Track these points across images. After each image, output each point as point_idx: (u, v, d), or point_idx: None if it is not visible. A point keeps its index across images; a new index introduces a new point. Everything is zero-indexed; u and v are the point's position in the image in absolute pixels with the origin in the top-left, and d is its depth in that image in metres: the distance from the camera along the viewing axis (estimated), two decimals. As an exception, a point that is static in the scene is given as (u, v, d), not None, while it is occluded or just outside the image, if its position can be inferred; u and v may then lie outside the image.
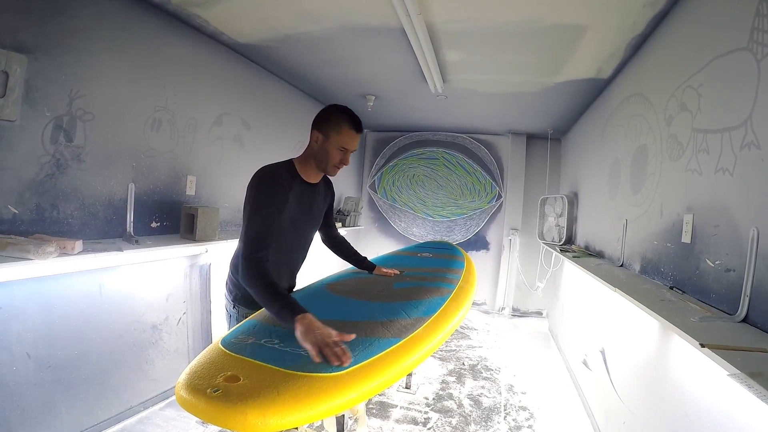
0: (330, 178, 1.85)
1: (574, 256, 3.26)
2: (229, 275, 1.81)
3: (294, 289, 1.89)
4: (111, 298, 2.32)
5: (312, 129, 1.66)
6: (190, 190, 2.92)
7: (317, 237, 2.02)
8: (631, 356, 2.25)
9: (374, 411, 2.84)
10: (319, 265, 4.71)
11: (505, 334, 4.94)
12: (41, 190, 1.98)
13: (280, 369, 1.09)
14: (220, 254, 3.03)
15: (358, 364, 1.15)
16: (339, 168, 1.69)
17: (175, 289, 2.78)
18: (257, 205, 1.51)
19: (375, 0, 2.35)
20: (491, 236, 5.93)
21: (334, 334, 1.21)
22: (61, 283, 2.05)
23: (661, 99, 2.19)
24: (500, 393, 3.27)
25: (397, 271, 2.17)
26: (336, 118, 1.63)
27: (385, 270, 2.16)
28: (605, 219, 3.13)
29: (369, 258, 2.28)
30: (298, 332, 1.21)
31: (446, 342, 4.35)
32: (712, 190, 1.61)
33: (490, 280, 5.88)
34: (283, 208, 1.58)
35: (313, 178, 1.73)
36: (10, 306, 1.84)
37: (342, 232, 4.91)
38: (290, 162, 1.69)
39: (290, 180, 1.62)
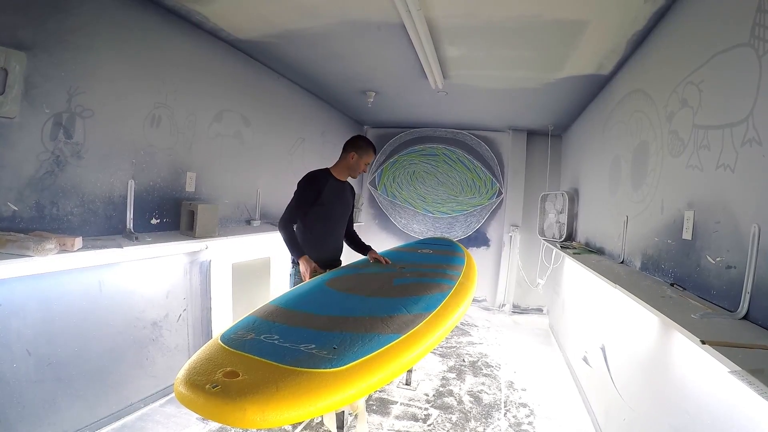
0: (352, 185, 2.82)
1: (574, 253, 3.25)
2: None
3: (340, 254, 2.79)
4: (111, 295, 2.32)
5: (348, 150, 2.63)
6: (190, 187, 2.92)
7: None
8: (632, 353, 2.25)
9: (374, 407, 2.84)
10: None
11: (505, 330, 4.94)
12: (41, 187, 1.98)
13: (280, 365, 1.09)
14: (220, 251, 3.03)
15: (358, 359, 1.15)
16: (358, 174, 2.69)
17: (175, 285, 2.78)
18: (297, 192, 2.52)
19: (375, -5, 2.34)
20: (492, 233, 5.93)
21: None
22: (61, 280, 2.05)
23: (662, 95, 2.19)
24: (500, 389, 3.28)
25: (389, 261, 2.65)
26: (365, 146, 2.63)
27: (377, 255, 2.72)
28: (606, 215, 3.12)
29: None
30: (302, 265, 2.36)
31: (446, 338, 4.35)
32: (713, 186, 1.61)
33: (490, 276, 5.88)
34: (318, 196, 2.50)
35: (342, 177, 2.66)
36: (10, 303, 1.84)
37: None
38: (326, 169, 2.65)
39: (325, 179, 2.57)
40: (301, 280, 2.38)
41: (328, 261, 2.60)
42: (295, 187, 2.54)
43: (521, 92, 3.95)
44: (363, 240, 2.94)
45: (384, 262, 2.66)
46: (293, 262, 2.55)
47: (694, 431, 1.53)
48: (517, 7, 2.36)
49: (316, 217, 2.52)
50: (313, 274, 2.31)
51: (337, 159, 2.67)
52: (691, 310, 1.46)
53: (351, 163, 2.60)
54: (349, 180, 2.78)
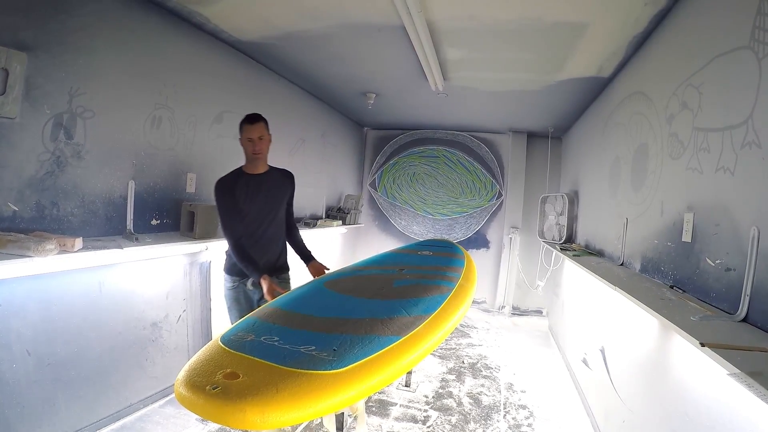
0: (288, 170, 2.53)
1: (574, 255, 3.25)
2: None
3: (280, 264, 2.45)
4: (111, 296, 2.32)
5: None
6: (191, 188, 2.92)
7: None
8: (631, 355, 2.25)
9: (374, 409, 2.84)
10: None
11: (505, 332, 4.94)
12: (41, 188, 1.98)
13: (280, 366, 1.09)
14: (220, 252, 3.03)
15: (357, 361, 1.15)
16: (257, 155, 2.30)
17: (175, 286, 2.78)
18: (217, 205, 2.27)
19: (375, -3, 2.35)
20: (491, 234, 5.93)
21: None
22: (61, 281, 2.05)
23: (662, 97, 2.19)
24: (500, 391, 3.27)
25: (328, 269, 2.43)
26: (240, 123, 2.30)
27: (318, 266, 2.44)
28: (606, 217, 3.12)
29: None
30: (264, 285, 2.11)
31: (446, 340, 4.35)
32: (712, 189, 1.61)
33: (490, 278, 5.88)
34: (232, 199, 2.23)
35: (255, 169, 2.34)
36: (10, 303, 1.84)
37: (342, 230, 4.95)
38: (240, 167, 2.35)
39: (234, 178, 2.28)
40: (241, 305, 2.31)
41: (264, 268, 2.23)
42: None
43: (521, 94, 3.96)
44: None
45: (323, 271, 2.41)
46: (237, 281, 2.33)
47: (694, 434, 1.53)
48: (517, 10, 2.37)
49: (240, 220, 2.26)
50: (273, 294, 2.02)
51: None
52: (691, 312, 1.46)
53: (243, 148, 2.30)
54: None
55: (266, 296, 2.03)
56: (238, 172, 2.30)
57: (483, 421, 2.78)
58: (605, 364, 2.63)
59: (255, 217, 2.27)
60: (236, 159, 3.47)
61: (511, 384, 3.43)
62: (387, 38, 2.87)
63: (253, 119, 2.24)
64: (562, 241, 4.14)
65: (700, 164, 1.72)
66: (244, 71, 3.43)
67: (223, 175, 2.27)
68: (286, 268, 2.50)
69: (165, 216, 2.73)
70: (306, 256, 2.51)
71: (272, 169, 2.40)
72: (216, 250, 2.98)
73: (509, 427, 2.73)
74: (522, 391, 3.30)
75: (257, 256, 2.25)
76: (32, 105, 1.91)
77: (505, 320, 5.47)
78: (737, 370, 0.96)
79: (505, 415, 2.89)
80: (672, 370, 1.76)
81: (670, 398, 1.74)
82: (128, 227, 2.44)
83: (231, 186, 2.22)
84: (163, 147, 2.66)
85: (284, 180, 2.45)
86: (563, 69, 3.18)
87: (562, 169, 5.50)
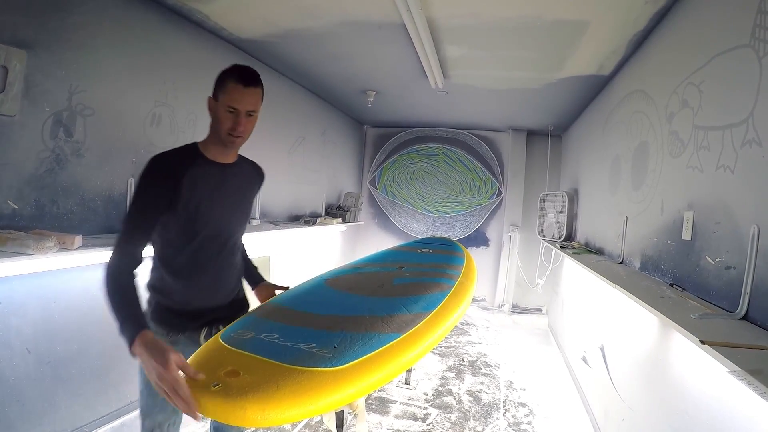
0: (257, 164, 1.65)
1: (574, 253, 3.26)
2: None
3: (239, 296, 1.65)
4: (111, 294, 2.31)
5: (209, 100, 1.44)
6: (190, 186, 2.92)
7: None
8: (631, 353, 2.26)
9: (374, 406, 2.85)
10: (317, 260, 4.73)
11: (504, 330, 4.95)
12: (41, 186, 1.98)
13: (280, 364, 1.09)
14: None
15: (358, 358, 1.15)
16: (236, 138, 1.41)
17: (175, 284, 2.77)
18: (134, 195, 1.35)
19: (376, -5, 2.34)
20: (491, 232, 5.93)
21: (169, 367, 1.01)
22: (61, 279, 2.05)
23: (662, 96, 2.19)
24: (499, 389, 3.28)
25: (287, 287, 1.75)
26: (221, 75, 1.41)
27: (269, 289, 1.73)
28: (605, 216, 3.13)
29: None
30: (139, 352, 1.09)
31: (446, 338, 4.35)
32: (713, 187, 1.61)
33: (490, 276, 5.88)
34: (175, 194, 1.33)
35: (223, 156, 1.46)
36: (10, 301, 1.84)
37: (342, 228, 4.95)
38: (194, 143, 1.46)
39: (185, 162, 1.37)
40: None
41: (210, 311, 1.49)
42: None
43: (521, 92, 3.96)
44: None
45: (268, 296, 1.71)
46: (172, 336, 1.46)
47: (693, 431, 1.53)
48: (517, 8, 2.36)
49: (177, 234, 1.39)
50: (171, 380, 0.99)
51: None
52: (691, 310, 1.47)
53: (212, 119, 1.43)
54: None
55: (149, 375, 1.05)
56: (193, 154, 1.42)
57: (482, 419, 2.79)
58: (605, 362, 2.64)
59: (214, 227, 1.44)
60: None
61: (511, 382, 3.44)
62: (387, 36, 2.86)
63: (248, 79, 1.38)
64: (562, 239, 4.14)
65: (700, 162, 1.72)
66: (244, 69, 3.42)
67: (165, 150, 1.40)
68: (246, 304, 1.68)
69: (165, 214, 2.72)
70: (256, 277, 1.78)
71: (242, 159, 1.58)
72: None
73: (509, 425, 2.74)
74: (521, 389, 3.31)
75: (211, 284, 1.49)
76: (32, 103, 1.90)
77: (505, 318, 5.48)
78: (737, 368, 0.96)
79: (504, 413, 2.89)
80: (672, 367, 1.76)
81: (670, 396, 1.74)
82: (128, 225, 2.43)
83: (178, 172, 1.34)
84: (163, 145, 2.66)
85: (255, 178, 1.65)
86: (563, 67, 3.18)
87: (562, 167, 5.50)
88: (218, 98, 1.40)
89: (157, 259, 1.44)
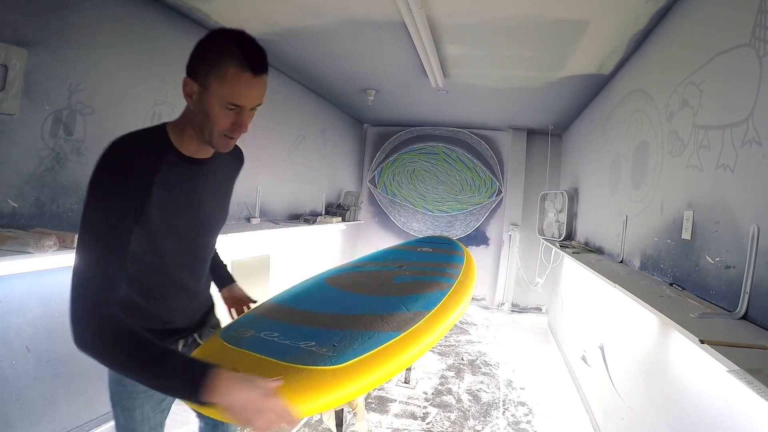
0: (237, 149, 1.32)
1: (573, 252, 3.26)
2: None
3: (207, 308, 1.39)
4: (111, 292, 2.32)
5: (185, 75, 1.02)
6: (190, 185, 2.91)
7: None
8: (630, 352, 2.26)
9: (373, 405, 2.85)
10: (317, 259, 4.73)
11: (504, 329, 4.95)
12: (41, 184, 1.98)
13: (280, 362, 1.09)
14: (219, 248, 3.02)
15: (357, 357, 1.15)
16: (233, 138, 1.08)
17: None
18: (94, 210, 0.94)
19: (376, -6, 2.34)
20: (491, 232, 5.93)
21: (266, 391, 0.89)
22: (61, 277, 2.04)
23: (662, 95, 2.19)
24: (499, 388, 3.28)
25: (255, 301, 1.55)
26: (215, 54, 0.97)
27: (239, 293, 1.53)
28: (605, 215, 3.13)
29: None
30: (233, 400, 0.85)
31: (445, 337, 4.36)
32: (712, 186, 1.61)
33: (489, 275, 5.88)
34: (142, 200, 0.99)
35: (202, 152, 1.13)
36: (10, 300, 1.84)
37: (341, 226, 4.95)
38: (162, 128, 1.08)
39: (155, 157, 1.02)
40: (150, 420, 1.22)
41: (187, 326, 1.27)
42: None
43: (522, 91, 3.95)
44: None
45: (245, 309, 1.51)
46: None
47: (693, 430, 1.53)
48: (518, 6, 2.36)
49: (145, 249, 1.06)
50: (282, 412, 0.88)
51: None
52: (690, 309, 1.47)
53: (192, 109, 1.04)
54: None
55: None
56: (163, 147, 1.06)
57: (482, 418, 2.79)
58: (604, 361, 2.64)
59: (191, 240, 1.18)
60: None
61: (511, 381, 3.44)
62: (387, 35, 2.86)
63: (259, 64, 0.99)
64: (562, 238, 4.15)
65: (700, 162, 1.72)
66: (244, 68, 3.42)
67: (122, 137, 1.01)
68: (215, 315, 1.44)
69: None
70: (225, 277, 1.56)
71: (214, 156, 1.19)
72: (215, 246, 2.98)
73: (508, 424, 2.74)
74: (521, 388, 3.31)
75: (183, 304, 1.24)
76: (32, 101, 1.90)
77: (505, 317, 5.48)
78: (736, 367, 0.97)
79: (504, 412, 2.89)
80: (671, 367, 1.76)
81: (669, 395, 1.74)
82: (128, 224, 2.42)
83: (148, 173, 1.00)
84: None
85: (235, 165, 1.34)
86: (564, 66, 3.18)
87: (562, 166, 5.50)
88: (209, 86, 0.97)
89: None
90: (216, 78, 0.97)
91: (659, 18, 2.29)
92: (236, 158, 1.33)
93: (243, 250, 3.37)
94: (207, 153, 1.15)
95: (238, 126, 1.05)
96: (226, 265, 1.59)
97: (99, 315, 0.89)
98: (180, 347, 1.25)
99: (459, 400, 3.02)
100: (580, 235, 3.95)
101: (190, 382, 0.85)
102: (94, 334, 0.88)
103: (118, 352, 0.89)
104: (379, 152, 6.31)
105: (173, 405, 1.32)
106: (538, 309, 5.71)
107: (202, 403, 0.85)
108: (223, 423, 1.41)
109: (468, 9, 2.44)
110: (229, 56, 0.96)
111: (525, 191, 5.71)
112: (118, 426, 1.20)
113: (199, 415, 1.42)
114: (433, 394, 3.10)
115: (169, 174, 1.04)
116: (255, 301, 1.50)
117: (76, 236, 0.93)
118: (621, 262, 2.63)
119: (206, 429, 1.46)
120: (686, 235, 1.79)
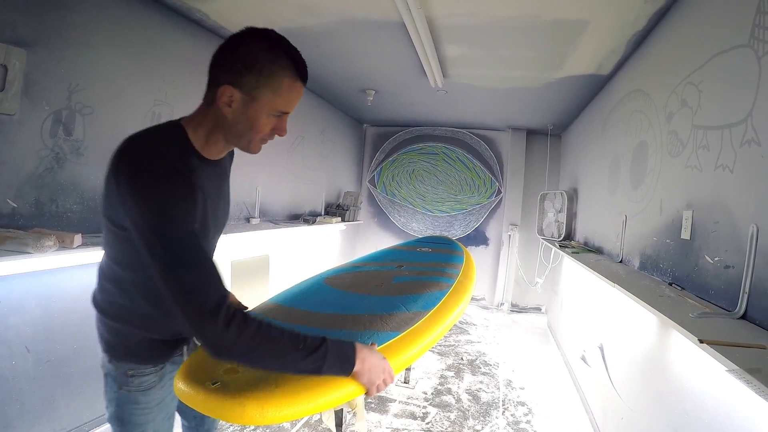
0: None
1: (573, 252, 3.26)
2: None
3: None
4: (110, 292, 2.31)
5: (220, 81, 1.03)
6: (190, 185, 2.91)
7: None
8: (630, 352, 2.26)
9: (373, 405, 2.85)
10: (316, 259, 4.73)
11: (503, 329, 4.95)
12: (40, 184, 1.98)
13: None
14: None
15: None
16: (265, 142, 1.11)
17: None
18: (166, 220, 0.89)
19: (375, -6, 2.34)
20: (491, 232, 5.94)
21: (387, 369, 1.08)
22: (60, 277, 2.05)
23: (661, 95, 2.19)
24: (499, 388, 3.28)
25: (246, 308, 1.44)
26: (268, 63, 0.98)
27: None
28: (605, 215, 3.13)
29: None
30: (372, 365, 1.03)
31: (445, 337, 4.36)
32: (712, 186, 1.61)
33: (489, 275, 5.89)
34: (202, 210, 0.99)
35: (216, 152, 1.11)
36: (9, 300, 1.84)
37: (341, 227, 4.95)
38: (180, 129, 1.05)
39: (190, 165, 1.01)
40: (167, 407, 1.24)
41: (187, 337, 1.24)
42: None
43: (521, 92, 3.96)
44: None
45: None
46: (160, 366, 1.19)
47: (692, 430, 1.53)
48: (517, 7, 2.36)
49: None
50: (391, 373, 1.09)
51: (198, 107, 1.12)
52: (689, 309, 1.47)
53: (230, 116, 1.03)
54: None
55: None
56: (188, 149, 1.04)
57: (482, 418, 2.79)
58: (604, 361, 2.64)
59: (209, 239, 1.18)
60: (235, 156, 3.47)
61: (510, 381, 3.44)
62: (387, 35, 2.86)
63: (306, 75, 1.06)
64: (561, 238, 4.15)
65: (699, 162, 1.72)
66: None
67: (146, 140, 1.04)
68: None
69: (164, 213, 2.72)
70: None
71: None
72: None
73: (508, 424, 2.74)
74: (521, 388, 3.31)
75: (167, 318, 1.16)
76: (31, 101, 1.90)
77: (504, 317, 5.48)
78: (736, 367, 0.97)
79: (503, 412, 2.90)
80: (670, 367, 1.76)
81: (669, 395, 1.74)
82: (127, 224, 2.42)
83: (192, 178, 0.97)
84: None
85: (229, 161, 1.33)
86: (563, 66, 3.18)
87: (561, 166, 5.51)
88: (258, 96, 0.99)
89: (131, 285, 1.13)
90: (269, 89, 0.99)
91: (658, 18, 2.29)
92: (229, 155, 1.31)
93: (242, 251, 3.37)
94: (220, 154, 1.14)
95: (279, 131, 1.09)
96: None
97: (238, 321, 0.87)
98: (185, 351, 1.24)
99: (458, 400, 3.02)
100: (580, 235, 3.96)
101: (346, 356, 0.99)
102: (246, 337, 0.88)
103: (272, 348, 0.91)
104: (379, 152, 6.31)
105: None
106: (538, 309, 5.71)
107: (349, 374, 0.99)
108: (205, 422, 1.41)
109: (467, 9, 2.44)
110: (283, 68, 0.99)
111: (524, 191, 5.72)
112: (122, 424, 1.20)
113: (183, 415, 1.42)
114: (432, 394, 3.10)
115: (200, 179, 1.01)
116: (246, 308, 1.38)
117: (153, 258, 0.87)
118: (620, 262, 2.63)
119: (188, 429, 1.44)
120: (685, 234, 1.79)
